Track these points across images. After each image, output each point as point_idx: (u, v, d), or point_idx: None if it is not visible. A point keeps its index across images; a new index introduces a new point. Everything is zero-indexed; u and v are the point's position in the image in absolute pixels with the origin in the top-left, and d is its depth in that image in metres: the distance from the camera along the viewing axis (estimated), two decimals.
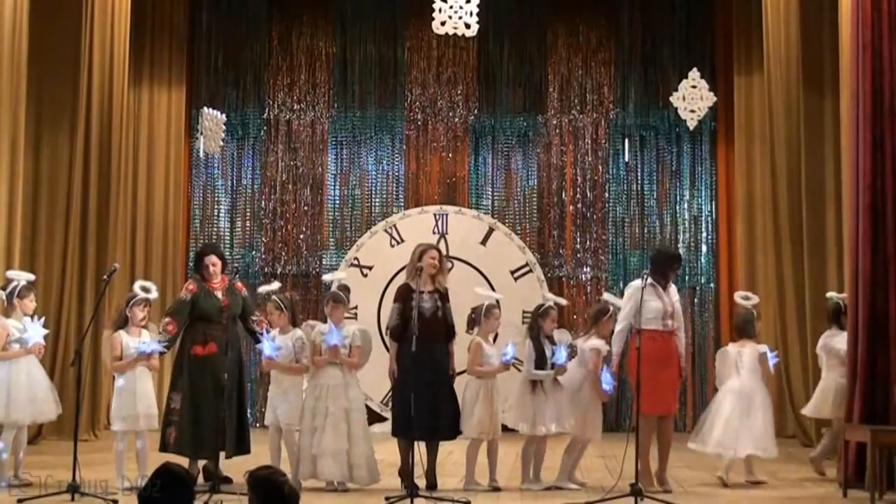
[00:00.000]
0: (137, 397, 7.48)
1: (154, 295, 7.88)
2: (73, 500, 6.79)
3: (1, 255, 9.26)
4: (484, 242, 12.32)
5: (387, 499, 6.92)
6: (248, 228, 12.87)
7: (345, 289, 8.04)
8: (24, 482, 7.34)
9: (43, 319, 7.69)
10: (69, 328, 10.52)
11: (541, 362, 7.70)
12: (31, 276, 8.02)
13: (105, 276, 8.00)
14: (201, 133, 11.50)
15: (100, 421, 11.03)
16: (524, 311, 11.98)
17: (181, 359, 7.66)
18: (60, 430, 10.23)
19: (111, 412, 7.68)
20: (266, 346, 7.57)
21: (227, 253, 12.74)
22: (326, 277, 8.38)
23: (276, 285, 8.22)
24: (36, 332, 7.53)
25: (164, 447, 7.53)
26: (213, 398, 7.42)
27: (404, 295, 7.85)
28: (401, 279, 11.70)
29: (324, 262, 12.72)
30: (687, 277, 12.58)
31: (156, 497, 3.65)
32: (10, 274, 8.03)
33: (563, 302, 8.45)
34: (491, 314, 7.86)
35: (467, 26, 10.95)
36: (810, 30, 10.46)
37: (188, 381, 7.53)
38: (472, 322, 7.98)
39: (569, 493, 7.51)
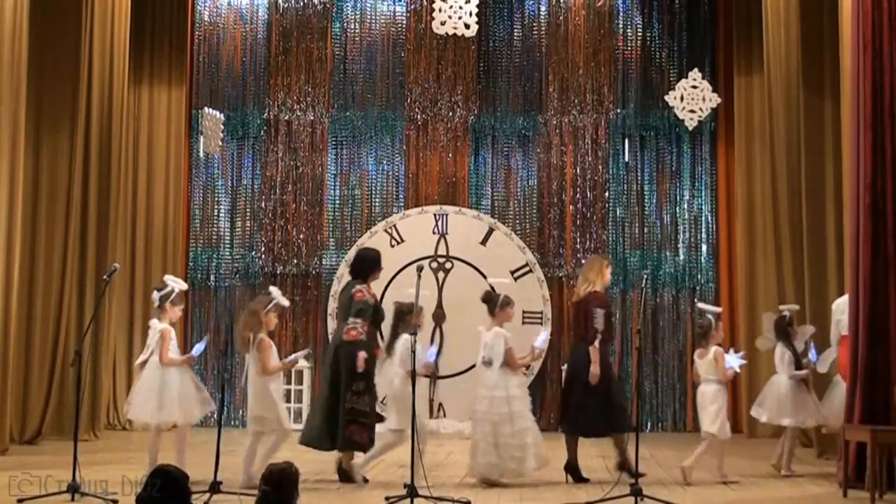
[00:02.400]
0: (276, 399, 7.70)
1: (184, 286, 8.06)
2: (73, 500, 6.79)
3: (1, 255, 9.27)
4: (484, 242, 12.32)
5: (387, 499, 6.93)
6: (248, 228, 12.87)
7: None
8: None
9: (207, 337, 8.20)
10: (69, 328, 10.52)
11: (797, 363, 8.51)
12: (185, 286, 8.25)
13: (105, 276, 8.01)
14: (201, 133, 11.52)
15: (100, 420, 11.01)
16: (524, 311, 12.02)
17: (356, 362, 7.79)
18: (60, 429, 10.24)
19: (258, 415, 7.69)
20: (429, 352, 7.94)
21: (227, 253, 12.78)
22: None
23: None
24: (199, 344, 7.93)
25: (347, 446, 7.75)
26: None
27: (607, 301, 8.43)
28: (401, 279, 11.86)
29: (324, 262, 12.72)
30: (687, 277, 12.58)
31: (155, 497, 3.66)
32: (168, 279, 8.16)
33: (795, 307, 9.19)
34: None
35: (467, 26, 10.97)
36: (810, 30, 10.45)
37: (372, 384, 7.83)
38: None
39: (569, 491, 7.50)
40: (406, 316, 7.80)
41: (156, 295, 7.94)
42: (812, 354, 8.71)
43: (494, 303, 7.98)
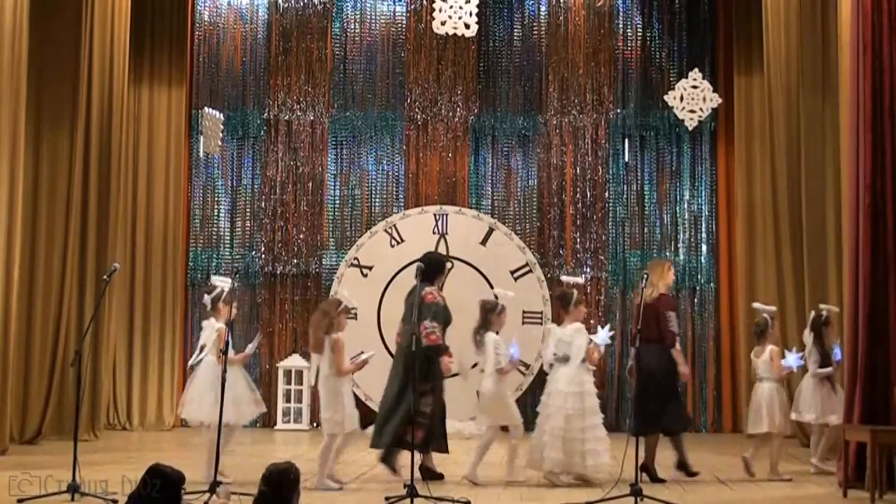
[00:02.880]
0: (346, 400, 7.77)
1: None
2: (73, 500, 6.79)
3: (1, 255, 9.27)
4: (484, 242, 12.31)
5: (387, 499, 6.93)
6: (248, 228, 12.87)
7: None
8: (226, 480, 7.55)
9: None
10: (69, 328, 10.52)
11: (825, 362, 8.60)
12: (231, 282, 8.30)
13: (105, 276, 8.01)
14: (201, 133, 11.52)
15: (100, 420, 11.02)
16: (524, 311, 12.03)
17: (431, 364, 7.92)
18: (60, 429, 10.24)
19: (331, 416, 7.75)
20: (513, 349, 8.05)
21: (227, 253, 12.77)
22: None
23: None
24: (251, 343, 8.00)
25: (399, 444, 7.89)
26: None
27: (673, 303, 8.70)
28: (401, 279, 11.86)
29: (324, 262, 12.72)
30: (687, 277, 12.58)
31: (155, 497, 3.67)
32: (215, 280, 8.27)
33: (835, 308, 9.10)
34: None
35: (467, 26, 10.96)
36: (810, 30, 10.46)
37: (438, 385, 7.98)
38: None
39: (570, 491, 7.50)
40: (490, 315, 7.99)
41: (207, 298, 8.01)
42: (836, 353, 8.71)
43: (568, 301, 8.07)
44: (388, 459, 7.98)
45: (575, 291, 8.09)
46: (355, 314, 12.04)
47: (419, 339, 7.63)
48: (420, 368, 7.67)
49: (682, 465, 8.21)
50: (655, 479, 8.00)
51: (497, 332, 8.07)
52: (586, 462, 7.72)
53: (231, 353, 7.51)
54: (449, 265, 8.99)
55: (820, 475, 8.37)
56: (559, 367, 7.91)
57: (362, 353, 7.99)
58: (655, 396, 8.02)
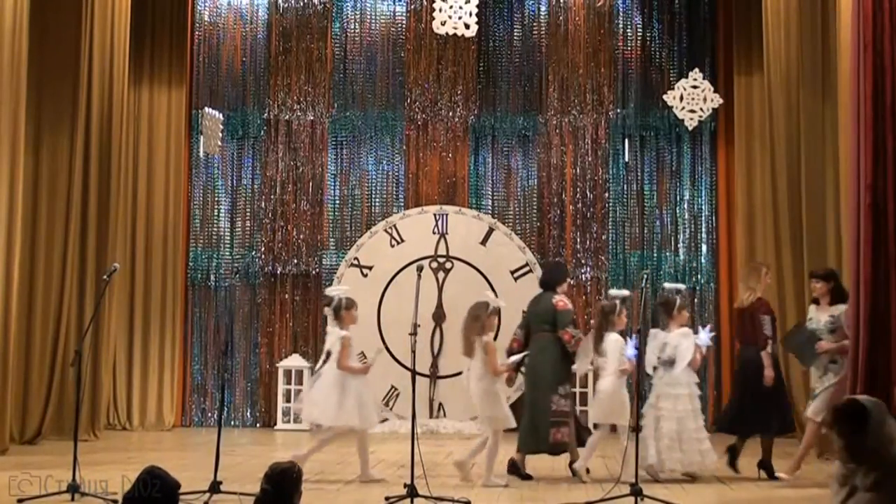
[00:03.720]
0: (501, 399, 7.96)
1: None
2: (73, 500, 6.79)
3: (1, 255, 9.26)
4: (484, 242, 12.31)
5: (387, 499, 6.93)
6: (248, 228, 12.86)
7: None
8: (373, 479, 7.88)
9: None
10: (69, 328, 10.52)
11: None
12: (346, 287, 8.77)
13: (105, 276, 8.02)
14: (201, 133, 11.52)
15: (100, 420, 11.01)
16: (524, 312, 12.01)
17: (569, 365, 8.16)
18: (60, 429, 10.24)
19: (492, 414, 7.90)
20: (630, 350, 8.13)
21: (227, 253, 12.77)
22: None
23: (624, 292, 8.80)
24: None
25: (554, 448, 8.21)
26: None
27: (770, 306, 8.75)
28: (401, 279, 11.86)
29: (324, 262, 12.71)
30: (687, 277, 12.58)
31: (156, 497, 3.66)
32: (330, 291, 8.57)
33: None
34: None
35: (467, 26, 10.97)
36: (810, 30, 10.45)
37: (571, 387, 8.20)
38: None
39: (570, 491, 7.51)
40: (610, 316, 8.15)
41: (328, 310, 8.23)
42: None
43: (672, 305, 8.30)
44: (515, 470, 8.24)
45: (678, 297, 8.33)
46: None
47: (564, 345, 8.19)
48: (561, 371, 8.21)
49: (765, 465, 8.34)
50: (773, 475, 8.19)
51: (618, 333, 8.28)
52: (705, 460, 8.04)
53: (356, 363, 8.06)
54: (563, 272, 9.22)
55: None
56: (665, 371, 8.15)
57: (512, 355, 8.37)
58: (758, 397, 8.28)
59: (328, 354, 8.12)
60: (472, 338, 7.91)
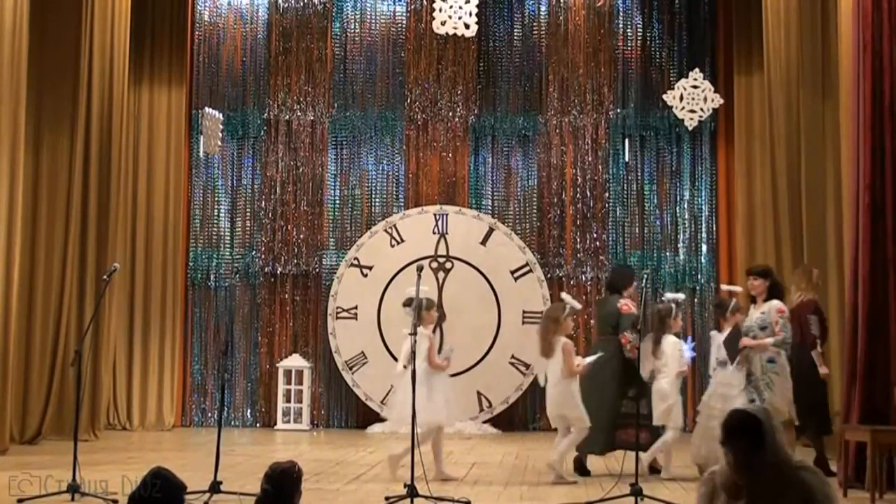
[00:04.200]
0: (577, 398, 8.06)
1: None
2: (73, 500, 6.79)
3: (1, 255, 9.26)
4: (484, 242, 12.32)
5: (387, 499, 6.93)
6: (248, 228, 12.86)
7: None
8: (448, 476, 8.01)
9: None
10: (69, 328, 10.52)
11: None
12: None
13: (105, 276, 8.02)
14: (201, 133, 11.52)
15: (100, 420, 11.01)
16: (524, 311, 12.04)
17: (635, 370, 8.19)
18: (60, 429, 10.24)
19: (573, 414, 8.03)
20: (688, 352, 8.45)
21: (227, 253, 12.78)
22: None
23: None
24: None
25: (624, 448, 8.29)
26: None
27: (820, 307, 8.88)
28: (401, 279, 11.86)
29: (324, 262, 12.72)
30: (687, 277, 12.59)
31: (156, 497, 3.67)
32: (411, 291, 8.42)
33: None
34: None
35: (467, 26, 10.97)
36: (810, 30, 10.45)
37: (644, 388, 8.27)
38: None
39: (570, 491, 7.51)
40: (667, 319, 8.29)
41: (408, 310, 8.20)
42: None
43: (725, 307, 8.39)
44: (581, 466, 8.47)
45: (733, 299, 8.40)
46: (355, 314, 12.08)
47: (622, 350, 8.37)
48: (626, 374, 8.32)
49: (821, 462, 8.43)
50: (830, 472, 8.19)
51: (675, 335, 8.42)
52: None
53: (440, 359, 8.14)
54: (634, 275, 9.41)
55: None
56: (719, 371, 8.26)
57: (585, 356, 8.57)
58: (810, 396, 8.45)
59: (409, 357, 8.00)
60: (550, 339, 8.08)
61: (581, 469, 8.42)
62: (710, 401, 8.22)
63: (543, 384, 8.20)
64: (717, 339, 8.35)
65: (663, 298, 8.88)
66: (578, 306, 8.44)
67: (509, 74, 12.98)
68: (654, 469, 8.31)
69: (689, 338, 8.29)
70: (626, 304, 8.60)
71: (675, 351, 8.22)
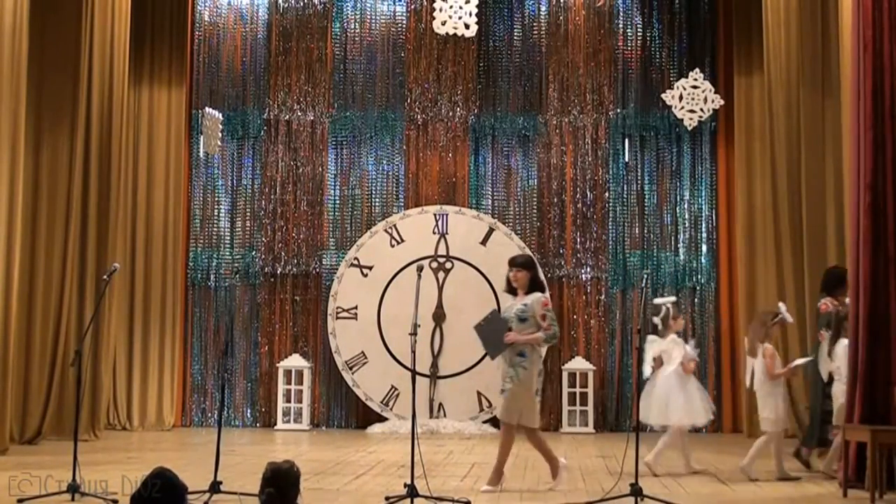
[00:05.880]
0: (779, 401, 8.33)
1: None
2: (73, 500, 6.79)
3: (1, 255, 9.26)
4: (484, 242, 12.32)
5: (387, 499, 6.93)
6: (248, 228, 12.87)
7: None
8: (698, 470, 8.42)
9: (693, 341, 8.96)
10: (69, 328, 10.52)
11: None
12: (673, 299, 9.26)
13: (105, 276, 8.01)
14: (201, 133, 11.52)
15: (100, 420, 11.01)
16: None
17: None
18: (60, 429, 10.24)
19: (768, 416, 8.27)
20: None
21: (227, 253, 12.77)
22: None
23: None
24: (687, 350, 8.66)
25: (823, 443, 8.62)
26: None
27: None
28: (401, 279, 11.86)
29: (324, 262, 12.72)
30: (687, 277, 12.59)
31: (155, 497, 3.67)
32: (658, 301, 9.00)
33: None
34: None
35: (467, 26, 10.97)
36: (810, 30, 10.46)
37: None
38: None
39: (570, 491, 7.51)
40: (844, 322, 8.28)
41: (656, 319, 8.73)
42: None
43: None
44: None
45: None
46: (355, 314, 12.07)
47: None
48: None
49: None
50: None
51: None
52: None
53: (689, 362, 8.50)
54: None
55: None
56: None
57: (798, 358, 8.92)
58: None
59: (657, 361, 8.57)
60: (757, 342, 8.32)
61: (805, 462, 8.67)
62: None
63: (749, 383, 8.40)
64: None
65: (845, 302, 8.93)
66: (790, 319, 8.72)
67: (509, 74, 12.98)
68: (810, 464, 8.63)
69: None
70: (826, 304, 8.76)
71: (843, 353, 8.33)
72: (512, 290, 7.85)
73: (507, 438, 7.65)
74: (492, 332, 7.66)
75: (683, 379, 8.49)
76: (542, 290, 7.92)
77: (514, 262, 7.91)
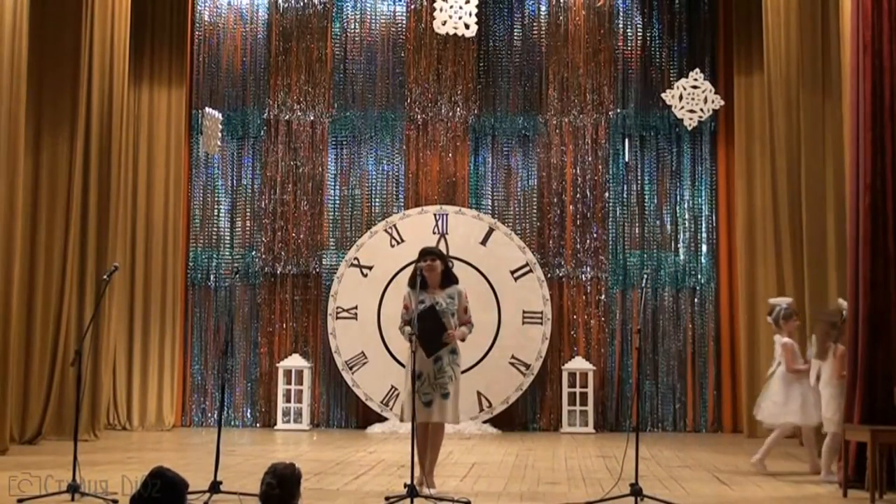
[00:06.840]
0: (840, 402, 8.23)
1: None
2: (73, 500, 6.79)
3: (1, 255, 9.26)
4: (484, 242, 12.32)
5: (387, 499, 6.93)
6: (248, 228, 12.87)
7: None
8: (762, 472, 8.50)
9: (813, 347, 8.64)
10: (69, 328, 10.52)
11: None
12: (789, 299, 9.26)
13: (105, 276, 8.01)
14: (201, 133, 11.52)
15: (100, 420, 11.01)
16: (524, 311, 12.04)
17: None
18: (60, 429, 10.24)
19: (831, 416, 8.17)
20: None
21: (227, 253, 12.77)
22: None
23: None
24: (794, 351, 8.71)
25: None
26: None
27: None
28: (401, 279, 11.85)
29: (324, 262, 12.72)
30: (687, 277, 12.59)
31: (155, 497, 3.67)
32: (773, 301, 9.07)
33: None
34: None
35: (467, 26, 10.97)
36: (810, 30, 10.45)
37: None
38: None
39: (570, 491, 7.52)
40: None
41: (769, 319, 8.88)
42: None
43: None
44: None
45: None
46: (355, 314, 12.07)
47: None
48: None
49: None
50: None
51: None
52: None
53: (802, 364, 8.56)
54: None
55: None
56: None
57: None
58: None
59: (778, 362, 8.71)
60: (828, 343, 8.25)
61: None
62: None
63: (814, 383, 8.38)
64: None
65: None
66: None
67: (509, 74, 12.98)
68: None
69: None
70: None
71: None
72: (422, 284, 7.32)
73: (440, 438, 7.58)
74: (429, 330, 7.30)
75: (790, 379, 8.54)
76: (457, 282, 7.62)
77: (430, 252, 7.56)
